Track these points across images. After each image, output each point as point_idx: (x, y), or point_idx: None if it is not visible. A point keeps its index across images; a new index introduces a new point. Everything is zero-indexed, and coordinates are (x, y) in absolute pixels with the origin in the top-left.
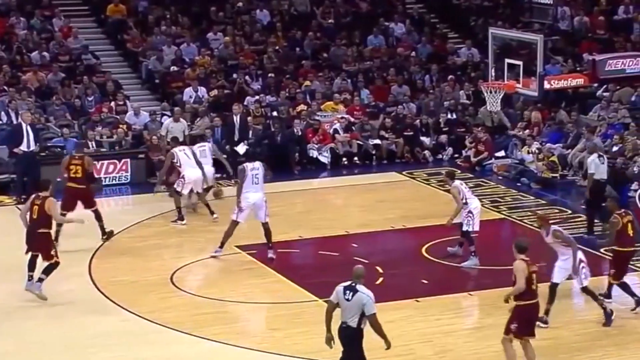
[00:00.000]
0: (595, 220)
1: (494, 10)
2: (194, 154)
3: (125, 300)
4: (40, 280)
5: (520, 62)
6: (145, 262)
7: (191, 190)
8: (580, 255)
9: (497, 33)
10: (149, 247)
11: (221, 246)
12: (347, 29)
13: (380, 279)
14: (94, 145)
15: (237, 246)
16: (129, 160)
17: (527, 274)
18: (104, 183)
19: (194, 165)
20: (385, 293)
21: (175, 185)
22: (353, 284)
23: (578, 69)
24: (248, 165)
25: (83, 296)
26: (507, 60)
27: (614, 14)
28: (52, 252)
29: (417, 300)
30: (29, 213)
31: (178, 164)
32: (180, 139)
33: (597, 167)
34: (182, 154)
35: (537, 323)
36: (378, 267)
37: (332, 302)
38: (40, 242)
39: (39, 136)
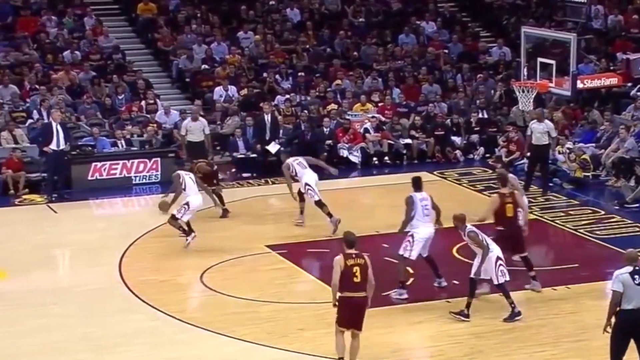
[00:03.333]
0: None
1: (526, 8)
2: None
3: (154, 299)
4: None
5: (553, 61)
6: (176, 261)
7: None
8: (497, 254)
9: (530, 32)
10: (180, 247)
11: (402, 286)
12: (378, 27)
13: (411, 280)
14: (124, 143)
15: (267, 246)
16: (159, 159)
17: (343, 267)
18: (134, 182)
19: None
20: (416, 294)
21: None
22: (638, 268)
23: (612, 68)
24: (417, 196)
25: (113, 294)
26: (539, 59)
27: None
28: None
29: (448, 301)
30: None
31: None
32: (200, 139)
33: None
34: (188, 178)
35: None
36: (408, 268)
37: (618, 292)
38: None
39: (69, 135)
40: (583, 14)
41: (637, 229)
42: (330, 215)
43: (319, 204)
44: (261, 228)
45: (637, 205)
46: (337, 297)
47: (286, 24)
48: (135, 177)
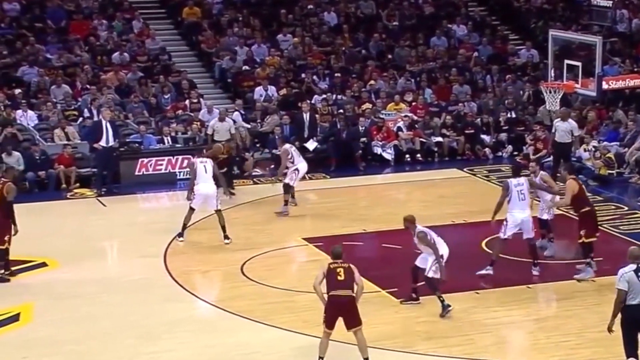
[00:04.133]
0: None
1: (553, 12)
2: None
3: (197, 288)
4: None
5: (579, 63)
6: (217, 253)
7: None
8: (443, 253)
9: (557, 35)
10: (221, 239)
11: (491, 264)
12: (411, 30)
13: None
14: (169, 140)
15: (303, 238)
16: None
17: (326, 271)
18: (178, 177)
19: (208, 179)
20: (446, 285)
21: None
22: None
23: (636, 69)
24: (512, 181)
25: (158, 284)
26: (566, 61)
27: None
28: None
29: (477, 292)
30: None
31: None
32: (227, 137)
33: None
34: (201, 166)
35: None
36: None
37: (623, 290)
38: None
39: (118, 132)
40: (608, 17)
41: None
42: (286, 203)
43: (287, 187)
44: (298, 221)
45: None
46: (325, 298)
47: (323, 27)
48: (180, 172)
